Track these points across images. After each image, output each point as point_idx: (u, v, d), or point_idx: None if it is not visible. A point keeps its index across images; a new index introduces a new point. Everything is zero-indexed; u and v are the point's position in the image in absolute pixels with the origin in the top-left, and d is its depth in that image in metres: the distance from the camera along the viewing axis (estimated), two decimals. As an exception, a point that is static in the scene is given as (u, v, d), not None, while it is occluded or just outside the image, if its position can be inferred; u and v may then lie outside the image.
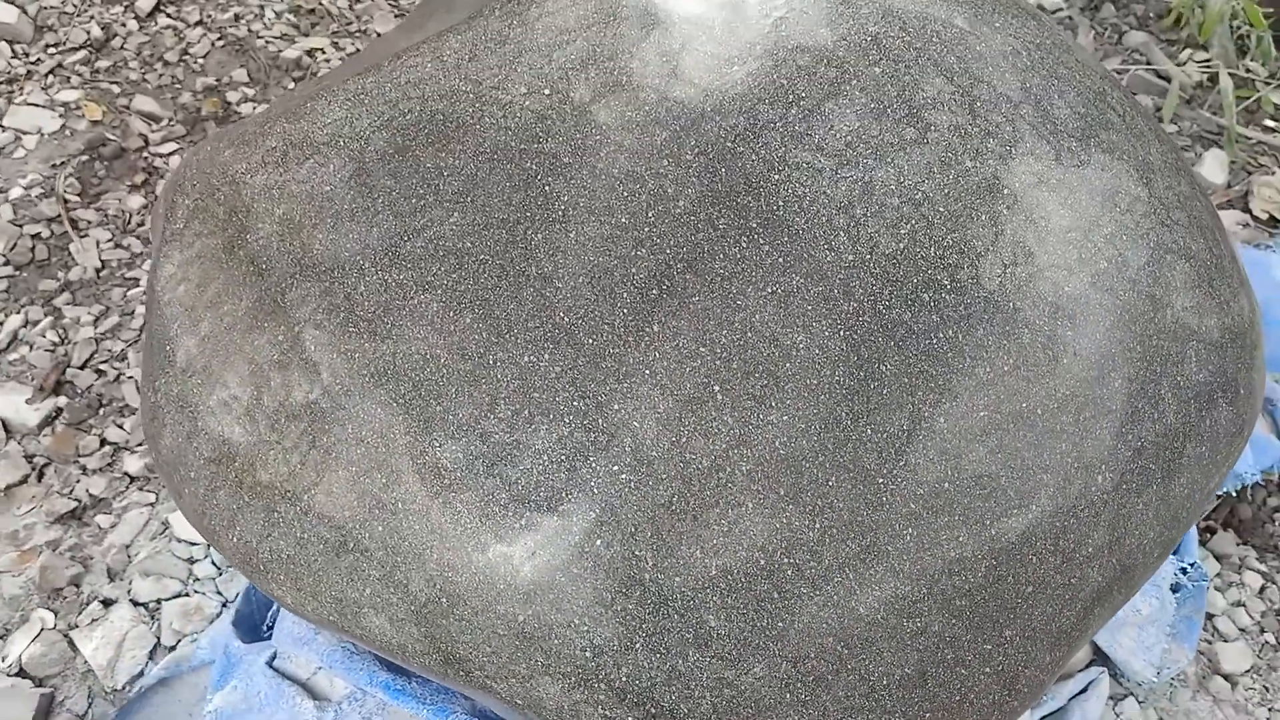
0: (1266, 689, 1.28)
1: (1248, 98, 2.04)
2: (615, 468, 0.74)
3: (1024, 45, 0.88)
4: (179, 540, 1.31)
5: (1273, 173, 1.95)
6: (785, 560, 0.75)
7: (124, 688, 1.19)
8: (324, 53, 1.99)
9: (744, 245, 0.78)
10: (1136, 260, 0.84)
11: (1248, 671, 1.29)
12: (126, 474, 1.37)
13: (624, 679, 0.74)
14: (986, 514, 0.78)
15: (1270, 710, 1.26)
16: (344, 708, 0.99)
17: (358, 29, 2.05)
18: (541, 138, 0.82)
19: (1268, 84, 2.07)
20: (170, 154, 1.76)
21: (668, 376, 0.76)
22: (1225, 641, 1.31)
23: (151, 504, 1.35)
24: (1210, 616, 1.33)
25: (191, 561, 1.29)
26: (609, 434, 0.75)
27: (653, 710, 0.75)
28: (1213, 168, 1.92)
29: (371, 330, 0.79)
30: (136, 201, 1.68)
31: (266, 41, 1.98)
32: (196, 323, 0.85)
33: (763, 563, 0.75)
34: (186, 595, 1.26)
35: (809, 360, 0.76)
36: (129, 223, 1.66)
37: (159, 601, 1.25)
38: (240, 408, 0.82)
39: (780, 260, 0.78)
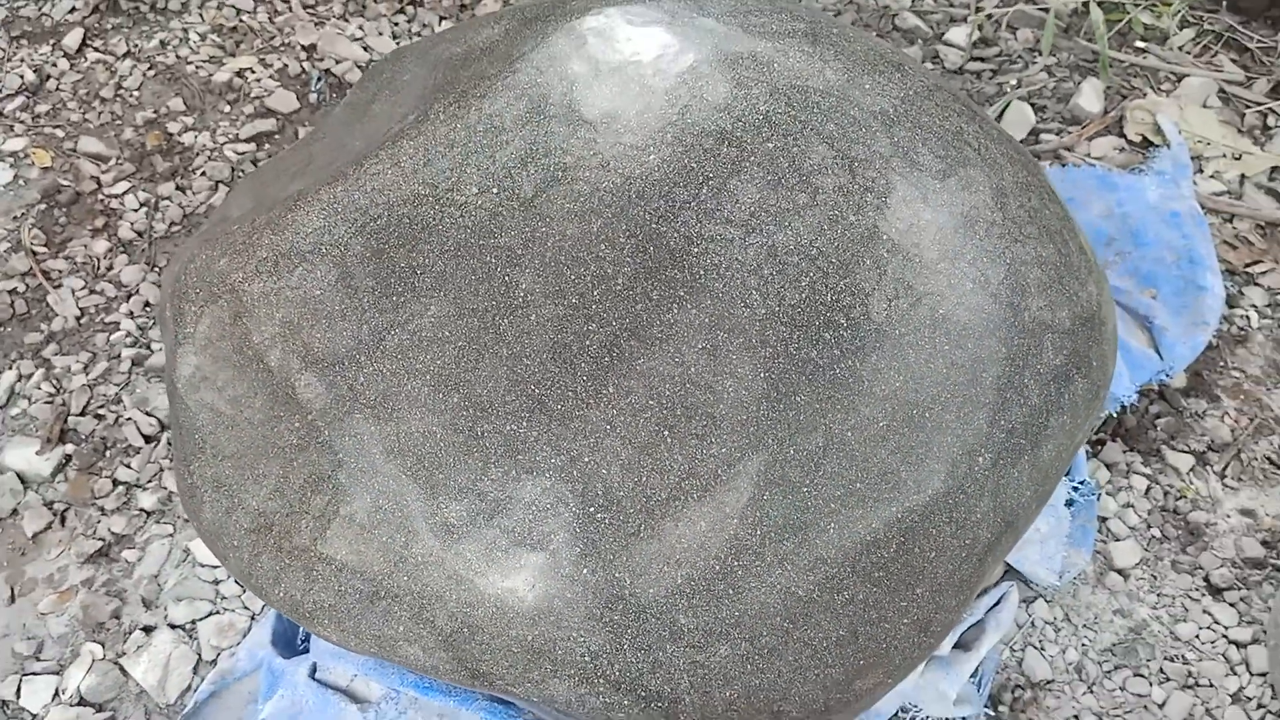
0: (1154, 578, 1.50)
1: (1119, 21, 2.21)
2: (591, 509, 0.92)
3: (890, 101, 1.04)
4: (202, 565, 1.47)
5: (1144, 95, 2.13)
6: (735, 563, 0.93)
7: (176, 702, 1.36)
8: (254, 72, 2.07)
9: (675, 311, 0.94)
10: (996, 276, 1.01)
11: (1137, 564, 1.51)
12: (142, 510, 1.52)
13: (617, 673, 0.93)
14: (892, 501, 0.97)
15: (1159, 595, 1.49)
16: (383, 706, 1.17)
17: (281, 42, 2.13)
18: (496, 233, 0.97)
19: (1137, 5, 2.24)
20: (124, 193, 1.86)
21: (625, 429, 0.93)
22: (1117, 541, 1.53)
23: (170, 534, 1.50)
24: (1103, 520, 1.55)
25: (216, 583, 1.45)
26: (583, 482, 0.92)
27: (642, 694, 0.94)
28: (1090, 97, 2.10)
29: (375, 415, 0.95)
30: (102, 246, 1.79)
31: (196, 66, 2.06)
32: (219, 415, 1.00)
33: (718, 568, 0.93)
34: (218, 613, 1.43)
35: (738, 400, 0.94)
36: (98, 268, 1.77)
37: (194, 622, 1.42)
38: (271, 485, 0.98)
39: (706, 320, 0.94)
